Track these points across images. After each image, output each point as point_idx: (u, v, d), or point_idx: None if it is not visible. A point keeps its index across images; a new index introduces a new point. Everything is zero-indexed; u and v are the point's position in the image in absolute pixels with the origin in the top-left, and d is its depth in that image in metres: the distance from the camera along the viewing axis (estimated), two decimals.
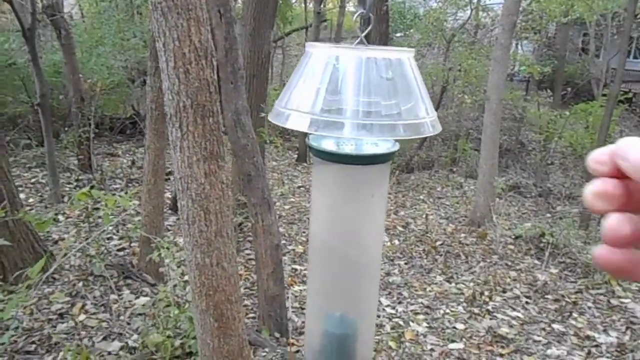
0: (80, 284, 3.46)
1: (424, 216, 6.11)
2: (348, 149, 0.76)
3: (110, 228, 4.77)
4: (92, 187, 5.59)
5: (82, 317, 3.11)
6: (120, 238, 4.51)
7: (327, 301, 0.85)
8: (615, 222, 0.32)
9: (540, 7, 9.65)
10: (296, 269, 4.51)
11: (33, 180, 6.13)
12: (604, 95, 11.15)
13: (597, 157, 0.33)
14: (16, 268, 3.36)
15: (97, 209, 4.45)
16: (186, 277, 2.84)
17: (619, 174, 0.32)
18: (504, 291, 4.39)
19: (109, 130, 8.69)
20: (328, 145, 0.76)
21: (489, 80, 6.32)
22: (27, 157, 6.74)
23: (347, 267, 0.80)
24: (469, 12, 10.80)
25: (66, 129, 7.46)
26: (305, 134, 0.83)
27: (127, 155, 7.74)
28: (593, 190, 0.33)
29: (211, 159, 1.68)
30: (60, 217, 5.00)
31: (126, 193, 5.65)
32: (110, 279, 3.36)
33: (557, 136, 9.27)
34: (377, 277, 0.90)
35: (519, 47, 13.99)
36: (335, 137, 0.75)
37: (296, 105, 0.70)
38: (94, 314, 3.15)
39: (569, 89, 13.49)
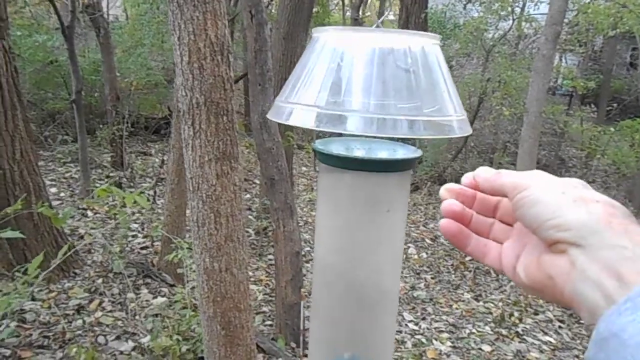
0: (100, 280, 3.45)
1: None
2: (360, 153, 0.65)
3: (136, 225, 4.78)
4: (120, 184, 5.66)
5: (98, 313, 3.09)
6: (145, 236, 4.51)
7: (334, 339, 0.72)
8: (448, 202, 0.47)
9: (587, 18, 9.29)
10: None
11: (67, 175, 6.24)
12: None
13: (465, 177, 0.48)
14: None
15: (125, 205, 4.47)
16: None
17: (474, 187, 0.47)
18: (536, 313, 4.17)
19: (144, 129, 8.82)
20: (336, 149, 0.65)
21: (528, 92, 6.08)
22: (62, 152, 6.88)
23: (359, 297, 0.67)
24: (510, 22, 10.52)
25: (102, 126, 7.59)
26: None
27: (160, 154, 7.81)
28: (445, 187, 0.49)
29: (224, 160, 1.60)
30: (89, 213, 5.05)
31: (154, 192, 5.68)
32: (128, 278, 3.34)
33: (600, 153, 8.87)
34: (395, 310, 0.76)
35: (563, 59, 13.53)
36: (342, 133, 0.65)
37: (299, 99, 0.60)
38: (110, 311, 3.13)
39: (615, 104, 12.95)
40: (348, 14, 12.60)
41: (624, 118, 11.19)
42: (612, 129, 8.73)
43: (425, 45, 0.58)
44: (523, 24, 10.83)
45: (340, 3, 13.03)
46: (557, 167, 10.55)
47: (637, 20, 9.59)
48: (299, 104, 0.60)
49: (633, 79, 13.75)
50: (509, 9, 9.58)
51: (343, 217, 0.66)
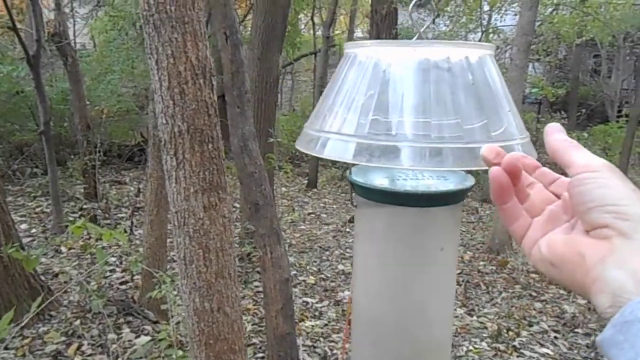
0: (78, 322, 3.25)
1: None
2: (406, 185, 0.55)
3: (114, 259, 4.58)
4: (94, 217, 5.44)
5: (77, 359, 2.89)
6: (123, 270, 4.30)
7: None
8: (513, 154, 0.44)
9: (553, 28, 9.51)
10: (307, 302, 4.26)
11: (37, 209, 5.99)
12: (620, 116, 10.91)
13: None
14: (10, 305, 3.17)
15: (101, 239, 4.27)
16: None
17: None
18: (530, 325, 4.11)
19: (117, 157, 8.60)
20: (378, 180, 0.55)
21: None
22: (32, 186, 6.62)
23: (407, 350, 0.56)
24: (479, 34, 10.70)
25: (73, 156, 7.36)
26: (318, 160, 0.61)
27: (135, 182, 7.60)
28: (489, 147, 0.44)
29: (211, 191, 1.48)
30: (63, 249, 4.82)
31: (132, 222, 5.48)
32: (108, 317, 3.14)
33: None
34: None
35: (531, 68, 13.82)
36: (391, 167, 0.54)
37: (335, 127, 0.49)
38: (90, 355, 2.93)
39: (583, 110, 13.26)
40: (319, 32, 12.65)
41: (591, 123, 11.45)
42: (585, 134, 8.89)
43: (482, 57, 0.48)
44: (491, 35, 11.03)
45: (310, 22, 13.08)
46: None
47: (601, 28, 9.87)
48: (335, 133, 0.49)
49: (598, 85, 14.12)
50: (478, 21, 9.73)
51: (391, 259, 0.55)
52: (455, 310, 4.34)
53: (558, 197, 0.45)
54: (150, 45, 1.37)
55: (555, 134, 0.44)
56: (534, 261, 0.43)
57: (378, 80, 0.48)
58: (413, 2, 0.54)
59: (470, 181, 0.57)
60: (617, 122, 9.88)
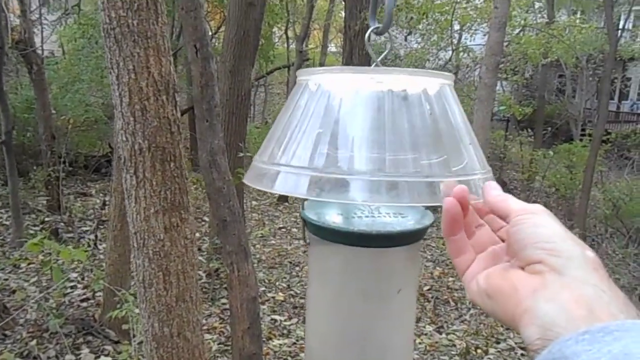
0: (34, 342, 3.09)
1: None
2: (362, 223, 0.52)
3: (75, 275, 4.41)
4: (56, 230, 5.25)
5: None
6: (85, 287, 4.15)
7: None
8: (461, 187, 0.45)
9: (520, 48, 9.77)
10: (275, 320, 4.19)
11: None
12: (583, 134, 11.26)
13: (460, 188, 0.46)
14: None
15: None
16: None
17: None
18: (497, 342, 4.13)
19: (83, 168, 8.37)
20: (331, 217, 0.52)
21: (473, 120, 6.23)
22: None
23: None
24: (450, 52, 10.92)
25: (36, 167, 7.12)
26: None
27: (100, 194, 7.40)
28: (449, 180, 0.46)
29: (172, 211, 1.43)
30: (22, 264, 4.63)
31: (95, 236, 5.31)
32: (66, 337, 3.01)
33: (541, 176, 9.22)
34: None
35: (499, 87, 14.16)
36: (345, 202, 0.51)
37: (285, 160, 0.46)
38: None
39: (549, 128, 13.64)
40: (292, 46, 12.68)
41: (556, 141, 11.76)
42: (551, 153, 9.11)
43: (441, 87, 0.46)
44: (461, 54, 11.27)
45: (284, 36, 13.12)
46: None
47: (565, 49, 10.19)
48: (286, 166, 0.46)
49: (563, 104, 14.56)
50: (448, 39, 9.93)
51: (344, 302, 0.52)
52: (424, 327, 4.33)
53: (503, 241, 0.47)
54: (111, 59, 1.32)
55: (492, 191, 0.46)
56: (472, 294, 0.45)
57: (331, 111, 0.45)
58: (369, 31, 0.52)
59: (429, 219, 0.55)
60: (581, 140, 10.18)
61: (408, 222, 0.53)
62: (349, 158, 0.43)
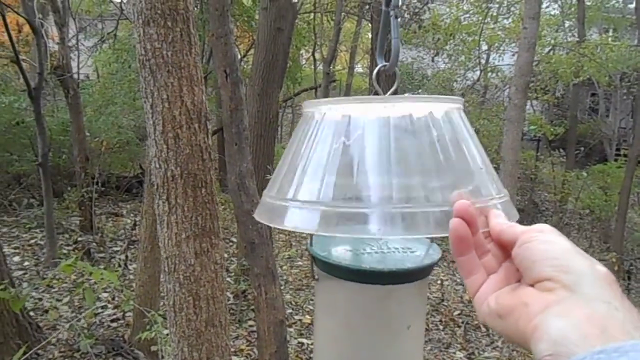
0: None
1: (438, 282, 5.76)
2: (372, 259, 0.52)
3: (106, 295, 4.48)
4: (89, 251, 5.36)
5: None
6: (115, 307, 4.21)
7: None
8: (465, 203, 0.43)
9: (550, 68, 9.65)
10: (303, 343, 4.15)
11: (32, 241, 5.91)
12: (618, 155, 10.96)
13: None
14: None
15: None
16: None
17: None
18: None
19: (115, 188, 8.56)
20: (340, 253, 0.52)
21: (503, 141, 6.14)
22: (28, 217, 6.56)
23: None
24: (477, 72, 10.86)
25: (70, 188, 7.33)
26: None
27: (131, 215, 7.54)
28: (458, 192, 0.45)
29: (203, 236, 1.44)
30: (55, 282, 4.73)
31: (126, 256, 5.40)
32: (96, 357, 3.05)
33: (574, 197, 8.98)
34: None
35: (529, 106, 13.97)
36: (357, 237, 0.50)
37: (295, 194, 0.46)
38: None
39: (581, 148, 13.33)
40: (319, 67, 12.82)
41: (589, 161, 11.48)
42: (584, 174, 8.89)
43: (448, 111, 0.46)
44: (489, 74, 11.19)
45: (312, 58, 13.28)
46: (531, 211, 10.62)
47: (597, 68, 10.01)
48: (294, 201, 0.46)
49: (596, 123, 14.24)
50: (476, 60, 9.88)
51: (353, 337, 0.51)
52: (454, 353, 4.23)
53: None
54: (146, 89, 1.35)
55: (498, 218, 0.46)
56: (483, 316, 0.44)
57: (337, 142, 0.45)
58: (376, 69, 0.52)
59: (437, 253, 0.54)
60: (616, 161, 9.91)
61: (417, 257, 0.53)
62: (359, 189, 0.43)
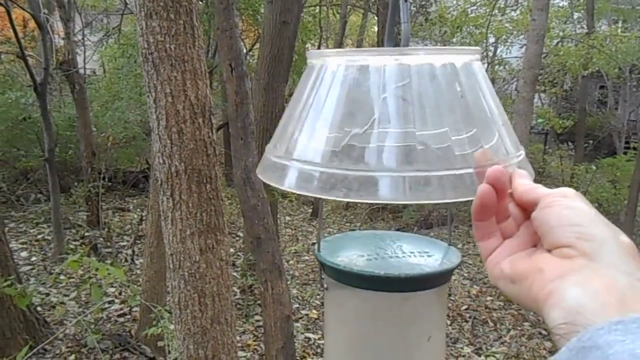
0: (73, 357, 3.15)
1: None
2: (386, 265, 0.48)
3: (113, 289, 4.49)
4: (95, 246, 5.37)
5: None
6: (122, 302, 4.21)
7: None
8: (497, 169, 0.41)
9: (559, 60, 9.54)
10: (309, 338, 4.14)
11: (39, 236, 5.93)
12: (627, 148, 10.83)
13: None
14: (4, 338, 3.09)
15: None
16: None
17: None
18: None
19: (121, 183, 8.58)
20: (351, 259, 0.49)
21: None
22: (35, 213, 6.58)
23: None
24: (485, 65, 10.75)
25: (77, 183, 7.35)
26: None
27: (138, 210, 7.56)
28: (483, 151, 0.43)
29: (208, 233, 1.42)
30: (62, 277, 4.74)
31: (133, 251, 5.41)
32: (103, 352, 3.05)
33: (583, 191, 8.90)
34: None
35: (537, 99, 13.85)
36: (368, 202, 0.47)
37: (299, 152, 0.42)
38: None
39: (590, 141, 13.20)
40: None
41: (598, 155, 11.36)
42: (593, 167, 8.80)
43: (468, 62, 0.43)
44: (497, 67, 11.09)
45: None
46: None
47: (606, 60, 9.89)
48: (297, 160, 0.42)
49: (605, 116, 14.10)
50: (484, 53, 9.79)
51: (367, 354, 0.48)
52: (462, 348, 4.20)
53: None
54: (149, 83, 1.33)
55: (523, 178, 0.44)
56: (495, 279, 0.43)
57: (347, 94, 0.42)
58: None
59: (456, 257, 0.51)
60: (625, 154, 9.80)
61: (435, 262, 0.50)
62: (370, 148, 0.39)
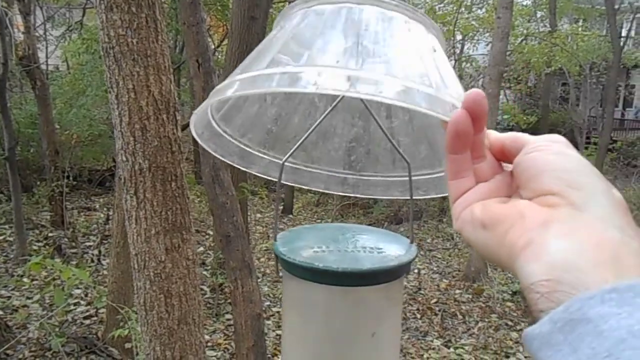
0: None
1: (415, 271, 5.80)
2: (331, 259, 0.48)
3: (79, 291, 4.38)
4: (60, 247, 5.23)
5: None
6: (88, 303, 4.11)
7: None
8: (477, 92, 0.37)
9: (523, 58, 9.77)
10: (281, 336, 4.12)
11: (0, 237, 5.73)
12: (588, 143, 11.19)
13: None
14: None
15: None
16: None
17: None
18: (507, 356, 4.06)
19: (87, 182, 8.37)
20: (302, 251, 0.49)
21: None
22: None
23: None
24: (452, 62, 10.91)
25: (39, 182, 7.13)
26: (294, 186, 0.57)
27: (104, 209, 7.39)
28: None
29: (174, 232, 1.40)
30: (25, 279, 4.59)
31: (99, 251, 5.28)
32: (68, 355, 2.97)
33: None
34: None
35: (502, 96, 14.15)
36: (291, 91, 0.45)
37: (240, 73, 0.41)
38: None
39: None
40: None
41: None
42: None
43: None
44: (464, 64, 11.27)
45: None
46: None
47: (568, 58, 10.18)
48: (243, 75, 0.40)
49: (567, 112, 14.51)
50: (451, 50, 9.94)
51: (317, 339, 0.49)
52: (432, 341, 4.26)
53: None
54: (111, 78, 1.29)
55: (495, 133, 0.41)
56: (462, 223, 0.38)
57: (307, 28, 0.42)
58: None
59: (412, 253, 0.51)
60: (586, 149, 10.12)
61: (384, 258, 0.50)
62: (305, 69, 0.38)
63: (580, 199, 0.31)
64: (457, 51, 11.26)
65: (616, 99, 13.79)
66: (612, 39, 9.07)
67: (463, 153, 0.38)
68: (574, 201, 0.31)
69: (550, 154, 0.35)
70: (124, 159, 1.33)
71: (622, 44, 10.18)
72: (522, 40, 11.20)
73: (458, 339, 4.33)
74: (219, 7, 9.02)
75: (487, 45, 10.12)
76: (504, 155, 0.40)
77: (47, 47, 10.67)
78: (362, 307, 0.48)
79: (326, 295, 0.48)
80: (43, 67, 7.50)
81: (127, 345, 2.89)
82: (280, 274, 0.51)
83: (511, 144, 0.38)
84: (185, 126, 7.09)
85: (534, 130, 13.99)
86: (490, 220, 0.35)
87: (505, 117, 12.74)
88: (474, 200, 0.38)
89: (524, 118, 9.96)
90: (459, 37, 11.09)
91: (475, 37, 11.19)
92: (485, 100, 0.37)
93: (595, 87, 14.11)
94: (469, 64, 11.12)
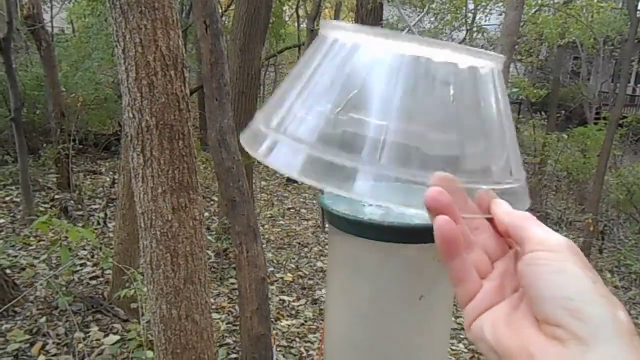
0: (44, 319, 3.11)
1: None
2: (380, 213, 0.46)
3: (85, 252, 4.43)
4: (66, 208, 5.26)
5: (41, 358, 2.76)
6: (95, 264, 4.16)
7: None
8: (437, 190, 0.35)
9: (536, 29, 9.55)
10: (284, 301, 4.18)
11: (7, 198, 5.77)
12: (598, 118, 11.04)
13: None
14: None
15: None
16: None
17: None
18: None
19: (93, 146, 8.37)
20: (354, 206, 0.46)
21: None
22: (2, 174, 6.38)
23: None
24: (464, 32, 10.70)
25: (45, 145, 7.13)
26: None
27: (110, 172, 7.41)
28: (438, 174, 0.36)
29: (180, 191, 1.38)
30: (32, 239, 4.64)
31: (105, 214, 5.32)
32: (75, 314, 3.02)
33: (554, 160, 9.08)
34: None
35: (512, 69, 13.90)
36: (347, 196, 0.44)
37: (288, 126, 0.39)
38: (55, 355, 2.81)
39: (562, 111, 13.38)
40: (303, 25, 12.51)
41: (570, 124, 11.56)
42: (565, 136, 8.95)
43: (493, 68, 0.39)
44: (475, 34, 11.04)
45: (295, 15, 12.93)
46: None
47: (583, 30, 9.95)
48: (286, 136, 0.39)
49: (577, 87, 14.28)
50: (462, 19, 9.73)
51: (361, 303, 0.47)
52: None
53: (510, 247, 0.40)
54: (117, 32, 1.26)
55: (504, 206, 0.38)
56: (474, 338, 0.38)
57: (358, 75, 0.38)
58: None
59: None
60: (595, 124, 9.99)
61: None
62: (367, 139, 0.36)
63: (586, 333, 0.32)
64: (469, 21, 11.02)
65: (629, 73, 13.53)
66: (629, 12, 8.83)
67: (459, 256, 0.37)
68: (579, 335, 0.32)
69: (551, 272, 0.34)
70: (131, 115, 1.31)
71: (639, 16, 9.90)
72: (536, 11, 10.93)
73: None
74: None
75: (500, 15, 9.88)
76: (508, 236, 0.39)
77: (52, 9, 10.52)
78: (409, 267, 0.46)
79: (370, 251, 0.46)
80: (48, 29, 7.40)
81: (133, 306, 2.93)
82: (326, 228, 0.49)
83: (513, 232, 0.37)
84: (194, 90, 7.00)
85: (544, 104, 13.80)
86: (502, 351, 0.35)
87: (515, 90, 12.56)
88: (484, 307, 0.38)
89: (534, 92, 9.79)
90: (471, 6, 10.83)
91: (488, 7, 10.93)
92: (443, 194, 0.36)
93: (608, 62, 13.83)
94: (480, 35, 10.90)
